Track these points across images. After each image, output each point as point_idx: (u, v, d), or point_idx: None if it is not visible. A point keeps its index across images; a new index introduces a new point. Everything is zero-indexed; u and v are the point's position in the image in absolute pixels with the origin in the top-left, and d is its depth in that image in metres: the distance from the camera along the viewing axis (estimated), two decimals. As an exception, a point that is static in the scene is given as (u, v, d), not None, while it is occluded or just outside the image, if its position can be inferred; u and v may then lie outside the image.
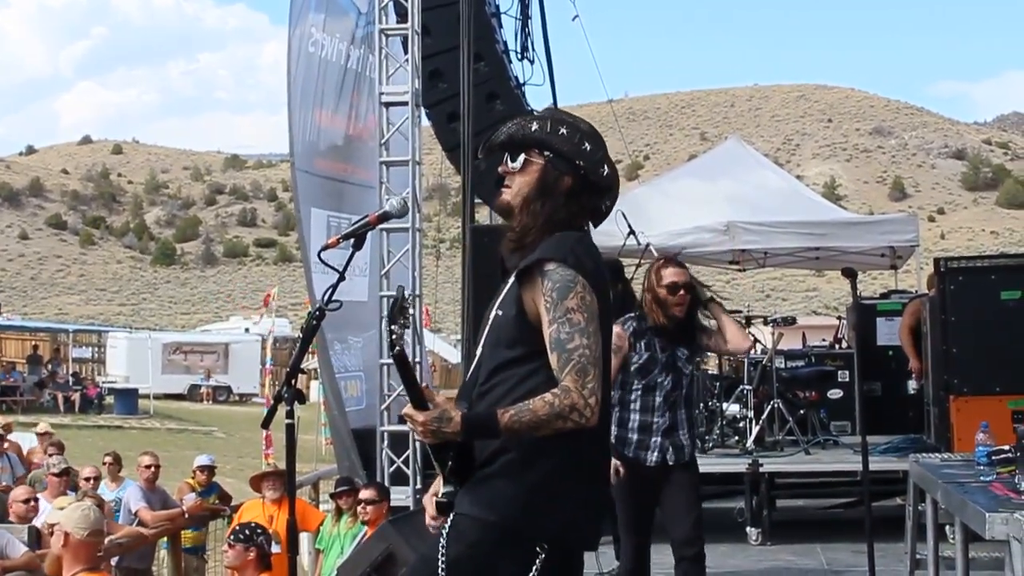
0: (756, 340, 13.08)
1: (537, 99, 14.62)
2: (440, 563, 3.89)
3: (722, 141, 21.10)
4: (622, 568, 7.51)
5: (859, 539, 9.20)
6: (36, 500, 10.23)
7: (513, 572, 3.88)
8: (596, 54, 21.41)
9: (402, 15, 11.81)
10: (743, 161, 17.76)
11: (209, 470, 12.68)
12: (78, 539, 6.77)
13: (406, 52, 11.83)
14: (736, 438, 12.62)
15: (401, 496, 10.78)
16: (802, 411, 13.16)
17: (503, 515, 3.87)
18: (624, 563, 7.47)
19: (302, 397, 4.30)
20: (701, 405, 12.72)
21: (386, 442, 11.33)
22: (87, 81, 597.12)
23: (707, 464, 11.77)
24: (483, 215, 14.38)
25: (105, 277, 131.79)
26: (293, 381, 4.27)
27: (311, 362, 20.17)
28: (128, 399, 40.30)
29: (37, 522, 9.69)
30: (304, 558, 11.55)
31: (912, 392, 13.51)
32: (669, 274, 7.24)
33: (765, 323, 13.38)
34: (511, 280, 4.01)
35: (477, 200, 11.99)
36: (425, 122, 12.41)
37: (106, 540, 7.84)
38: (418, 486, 11.03)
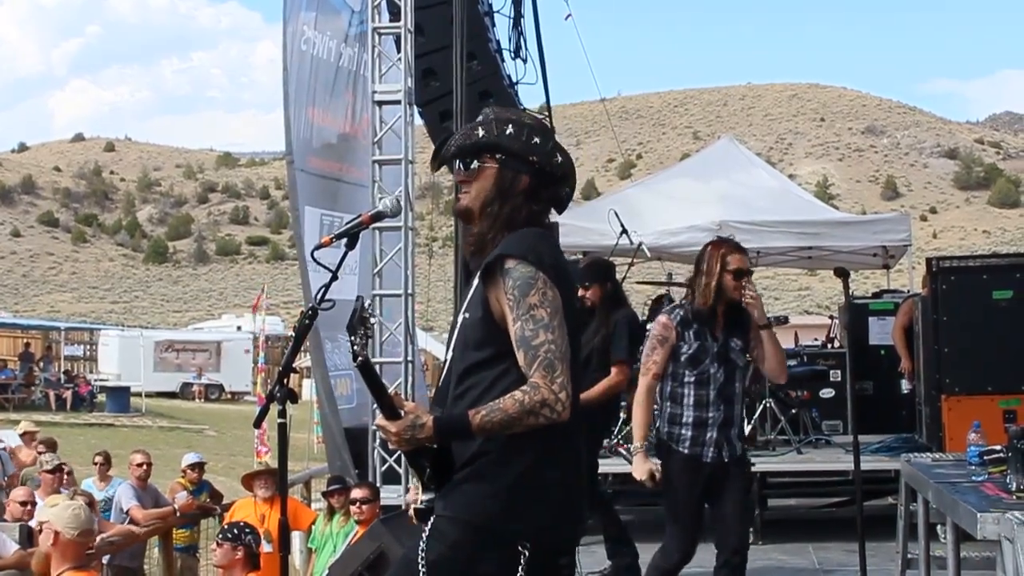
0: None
1: (530, 98, 14.68)
2: (420, 565, 3.89)
3: (715, 140, 21.16)
4: (669, 562, 7.26)
5: (851, 538, 9.21)
6: (33, 503, 10.12)
7: (495, 573, 3.88)
8: (589, 53, 21.53)
9: (395, 14, 11.78)
10: (736, 160, 17.81)
11: (199, 468, 12.67)
12: (68, 538, 6.76)
13: (399, 51, 11.80)
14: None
15: (392, 495, 10.77)
16: (794, 410, 13.17)
17: (482, 515, 3.87)
18: (670, 559, 7.23)
19: (294, 396, 4.30)
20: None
21: (377, 441, 11.31)
22: (80, 79, 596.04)
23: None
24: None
25: (97, 275, 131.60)
26: (286, 380, 4.27)
27: (303, 360, 20.18)
28: (120, 397, 40.29)
29: (32, 521, 9.67)
30: (296, 557, 11.56)
31: (904, 392, 13.51)
32: (735, 260, 7.01)
33: (757, 322, 13.36)
34: (475, 282, 4.01)
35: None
36: (418, 121, 12.39)
37: (97, 539, 7.84)
38: (409, 485, 11.02)
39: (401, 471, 11.19)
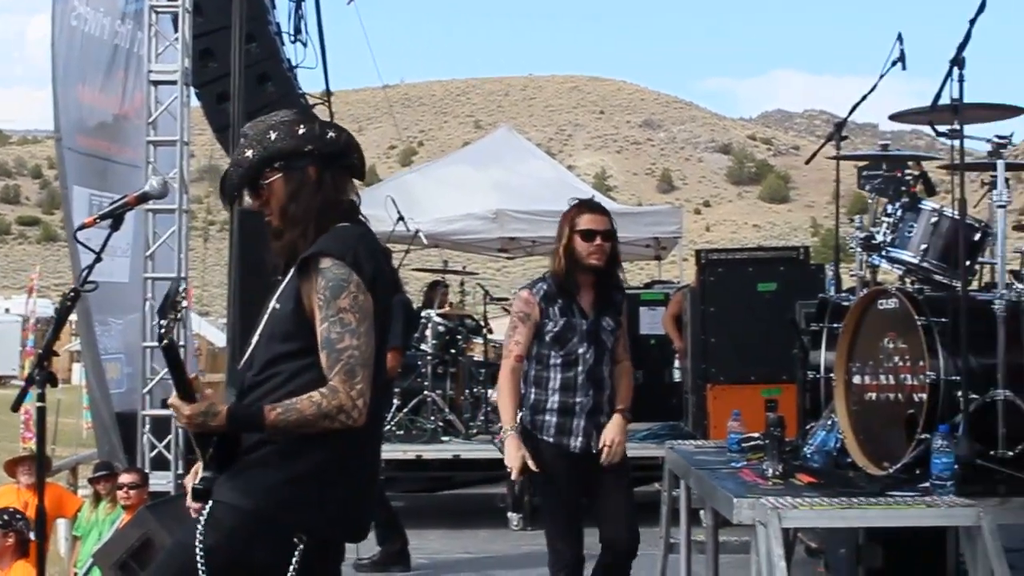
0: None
1: (310, 82, 14.57)
2: (198, 550, 3.85)
3: (495, 129, 21.31)
4: (562, 563, 6.43)
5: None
6: None
7: (270, 561, 3.87)
8: (372, 39, 21.49)
9: (173, -8, 11.60)
10: (514, 150, 17.98)
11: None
12: None
13: (176, 30, 11.63)
14: (500, 424, 12.71)
15: (162, 481, 10.62)
16: (566, 398, 13.30)
17: (261, 504, 3.85)
18: (563, 558, 6.39)
19: (54, 379, 4.20)
20: (467, 391, 12.83)
21: (147, 426, 11.14)
22: None
23: (471, 450, 11.93)
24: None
25: None
26: (46, 363, 4.18)
27: (73, 344, 19.70)
28: None
29: None
30: (61, 545, 11.29)
31: (674, 380, 13.80)
32: (585, 220, 6.38)
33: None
34: (291, 273, 3.99)
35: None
36: (195, 102, 12.19)
37: None
38: (179, 471, 10.86)
39: (171, 457, 11.04)
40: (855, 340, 6.68)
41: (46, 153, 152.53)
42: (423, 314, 12.47)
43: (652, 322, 14.17)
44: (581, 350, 6.38)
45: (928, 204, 6.65)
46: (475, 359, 13.49)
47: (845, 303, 7.27)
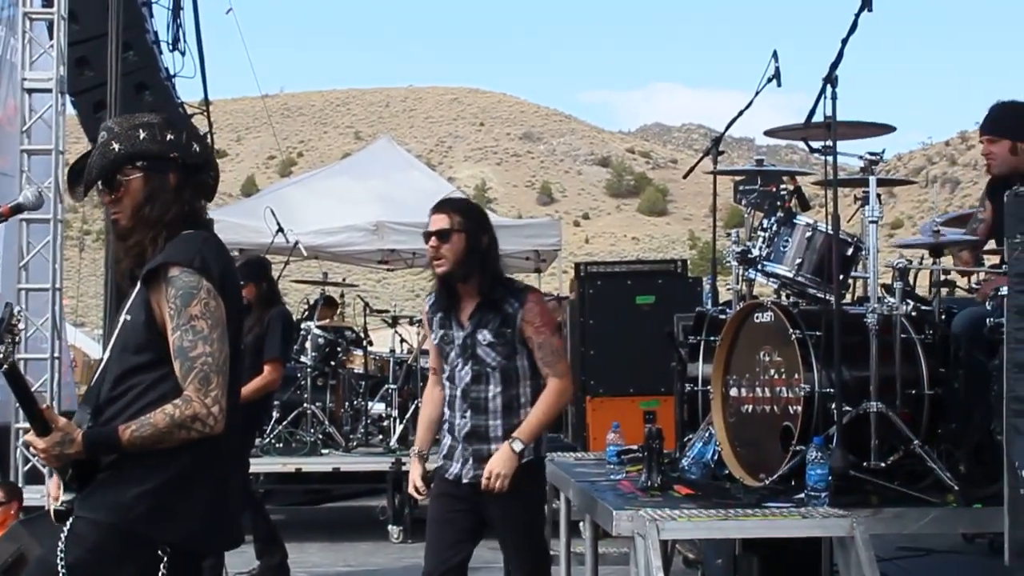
0: (403, 339, 13.22)
1: (188, 92, 14.41)
2: (59, 566, 3.80)
3: (375, 140, 21.27)
4: None
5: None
6: None
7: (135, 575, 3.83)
8: (251, 48, 21.33)
9: (48, -1, 11.44)
10: (394, 161, 17.96)
11: None
12: None
13: (51, 37, 11.45)
14: (380, 437, 12.71)
15: (36, 496, 10.43)
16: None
17: (123, 518, 3.80)
18: None
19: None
20: (346, 404, 12.79)
21: (20, 439, 10.95)
22: None
23: (350, 463, 11.90)
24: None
25: None
26: None
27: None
28: None
29: None
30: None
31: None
32: (431, 222, 5.77)
33: (411, 323, 13.52)
34: (139, 284, 3.95)
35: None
36: (71, 110, 12.03)
37: None
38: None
39: (44, 471, 10.85)
40: (732, 353, 6.78)
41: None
42: (303, 326, 12.40)
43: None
44: (457, 366, 5.77)
45: (802, 219, 6.78)
46: (355, 371, 13.45)
47: (722, 316, 7.38)
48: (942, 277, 6.98)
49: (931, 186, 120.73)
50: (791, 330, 6.12)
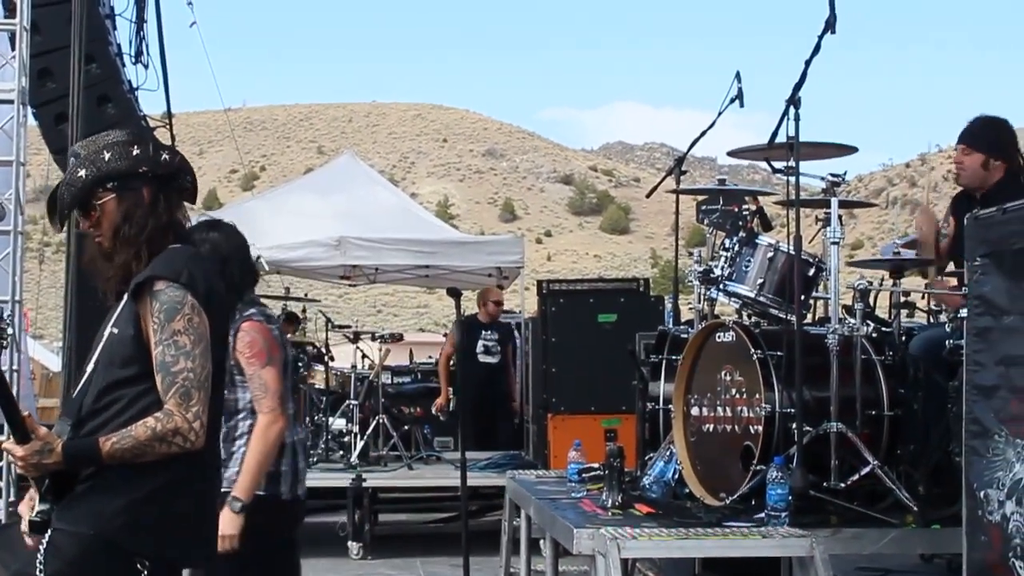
0: (364, 355, 13.20)
1: (151, 104, 14.39)
2: None
3: (338, 155, 21.23)
4: None
5: (458, 553, 9.37)
6: None
7: None
8: (214, 62, 21.29)
9: (10, 10, 11.36)
10: (356, 177, 17.94)
11: None
12: None
13: (13, 48, 11.40)
14: (341, 453, 12.69)
15: (-7, 509, 10.37)
16: (407, 427, 13.33)
17: (102, 529, 3.78)
18: None
19: None
20: (307, 419, 12.74)
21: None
22: None
23: (311, 479, 11.79)
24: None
25: None
26: None
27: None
28: None
29: None
30: None
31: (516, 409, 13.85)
32: None
33: (373, 339, 13.50)
34: (126, 298, 3.94)
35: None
36: (32, 122, 11.97)
37: None
38: (11, 498, 10.61)
39: (1, 485, 10.77)
40: (693, 372, 6.80)
41: None
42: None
43: (494, 351, 14.21)
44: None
45: (764, 239, 6.81)
46: (316, 387, 13.40)
47: (684, 335, 7.40)
48: (902, 299, 7.03)
49: (891, 207, 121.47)
50: (752, 350, 6.15)
